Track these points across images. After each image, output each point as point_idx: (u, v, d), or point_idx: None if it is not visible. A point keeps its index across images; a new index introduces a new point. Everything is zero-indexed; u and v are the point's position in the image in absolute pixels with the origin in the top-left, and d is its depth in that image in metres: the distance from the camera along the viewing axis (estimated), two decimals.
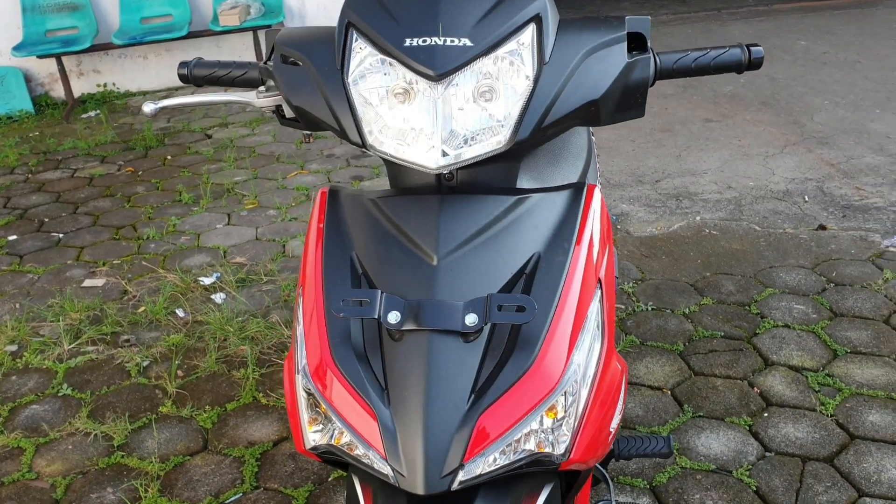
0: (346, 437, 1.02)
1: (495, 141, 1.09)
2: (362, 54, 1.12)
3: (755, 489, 2.19)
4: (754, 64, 1.23)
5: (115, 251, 3.76)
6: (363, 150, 1.14)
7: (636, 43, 1.19)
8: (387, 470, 0.98)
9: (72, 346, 2.99)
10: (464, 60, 1.07)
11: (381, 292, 1.00)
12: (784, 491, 2.18)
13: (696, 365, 2.72)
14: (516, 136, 1.09)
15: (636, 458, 1.85)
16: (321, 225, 1.17)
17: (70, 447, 2.49)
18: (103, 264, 3.63)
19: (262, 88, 1.35)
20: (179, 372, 2.81)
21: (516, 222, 1.10)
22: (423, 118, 1.09)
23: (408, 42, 1.08)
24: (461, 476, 0.96)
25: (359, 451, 1.01)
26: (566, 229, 1.10)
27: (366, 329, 1.07)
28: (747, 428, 2.43)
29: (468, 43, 1.07)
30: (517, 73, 1.09)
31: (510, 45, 1.09)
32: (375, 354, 1.04)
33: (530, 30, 1.10)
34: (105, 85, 6.53)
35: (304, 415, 1.06)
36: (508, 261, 1.07)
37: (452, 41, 1.07)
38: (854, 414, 2.46)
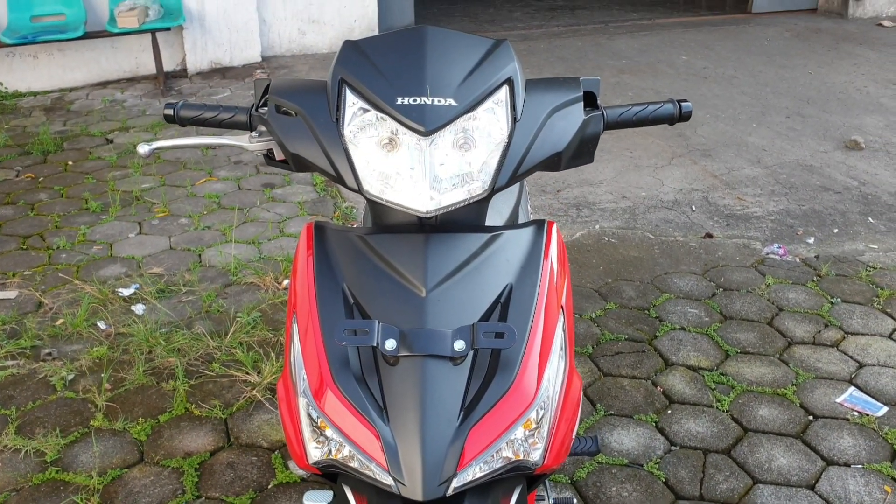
0: (345, 451, 1.15)
1: (476, 187, 1.25)
2: (355, 108, 1.25)
3: (664, 480, 2.43)
4: (684, 116, 1.44)
5: (24, 261, 3.70)
6: (357, 192, 1.27)
7: (588, 99, 1.37)
8: (388, 480, 1.11)
9: None
10: (449, 118, 1.22)
11: (378, 322, 1.14)
12: (689, 481, 2.42)
13: (605, 366, 2.95)
14: (496, 184, 1.25)
15: (570, 457, 2.05)
16: (311, 257, 1.30)
17: (0, 464, 2.49)
18: (13, 275, 3.57)
19: (254, 134, 1.46)
20: (107, 385, 2.83)
21: (491, 257, 1.26)
22: (409, 165, 1.23)
23: (399, 101, 1.22)
24: (455, 483, 1.11)
25: (357, 463, 1.14)
26: (533, 262, 1.27)
27: (362, 354, 1.20)
28: (654, 424, 2.67)
29: (453, 103, 1.22)
30: (493, 127, 1.25)
31: (487, 104, 1.25)
32: (373, 378, 1.17)
33: (504, 91, 1.27)
34: None
35: (307, 433, 1.18)
36: (486, 291, 1.22)
37: (439, 101, 1.22)
38: (746, 409, 2.74)
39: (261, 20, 7.01)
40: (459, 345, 1.14)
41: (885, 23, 8.32)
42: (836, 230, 4.09)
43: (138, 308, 3.29)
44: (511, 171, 1.26)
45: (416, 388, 1.13)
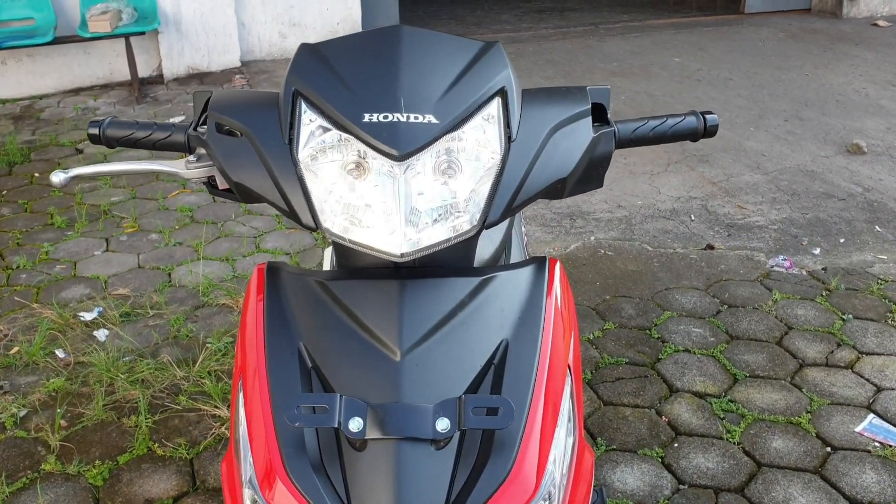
0: None
1: (463, 222, 1.02)
2: (312, 127, 1.02)
3: None
4: (709, 132, 1.21)
5: None
6: (314, 232, 1.04)
7: (596, 113, 1.14)
8: None
9: None
10: (429, 139, 0.99)
11: (340, 396, 0.91)
12: None
13: (605, 394, 2.73)
14: (487, 218, 1.02)
15: None
16: (261, 308, 1.06)
17: None
18: None
19: (191, 158, 1.22)
20: (63, 422, 2.59)
21: (482, 307, 1.03)
22: (380, 197, 1.00)
23: (367, 118, 0.99)
24: None
25: None
26: (532, 312, 1.04)
27: (321, 434, 0.97)
28: (660, 460, 2.44)
29: (433, 119, 0.99)
30: (482, 149, 1.02)
31: (475, 121, 1.02)
32: (334, 465, 0.94)
33: (496, 104, 1.03)
34: None
35: None
36: (476, 352, 1.00)
37: (416, 117, 0.99)
38: (758, 441, 2.52)
39: (239, 24, 6.76)
40: (443, 424, 0.91)
41: (881, 23, 8.15)
42: (842, 240, 3.88)
43: (101, 334, 3.04)
44: (506, 203, 1.03)
45: (389, 480, 0.90)
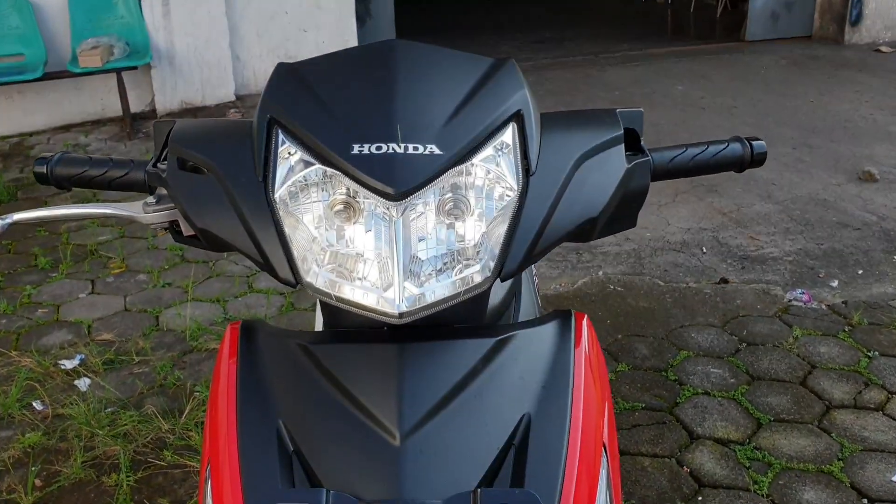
0: None
1: (473, 274, 0.84)
2: (291, 161, 0.85)
3: None
4: (756, 160, 1.04)
5: None
6: (294, 288, 0.86)
7: (628, 141, 0.97)
8: None
9: None
10: (431, 174, 0.82)
11: (327, 491, 0.73)
12: None
13: (622, 443, 2.54)
14: (502, 268, 0.85)
15: None
16: (233, 379, 0.89)
17: None
18: None
19: (150, 200, 1.05)
20: (37, 481, 2.40)
21: (498, 374, 0.85)
22: (373, 243, 0.83)
23: (357, 149, 0.82)
24: None
25: None
26: (558, 379, 0.86)
27: None
28: None
29: (435, 150, 0.82)
30: (495, 185, 0.85)
31: (486, 152, 0.85)
32: None
33: (510, 131, 0.86)
34: None
35: None
36: (492, 431, 0.82)
37: (415, 148, 0.82)
38: (789, 492, 2.33)
39: (234, 57, 6.64)
40: None
41: (884, 48, 8.05)
42: (860, 271, 3.72)
43: (82, 383, 2.86)
44: (525, 249, 0.85)
45: None
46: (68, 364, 2.97)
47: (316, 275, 0.84)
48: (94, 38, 5.71)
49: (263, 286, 3.58)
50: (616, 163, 0.92)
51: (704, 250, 3.94)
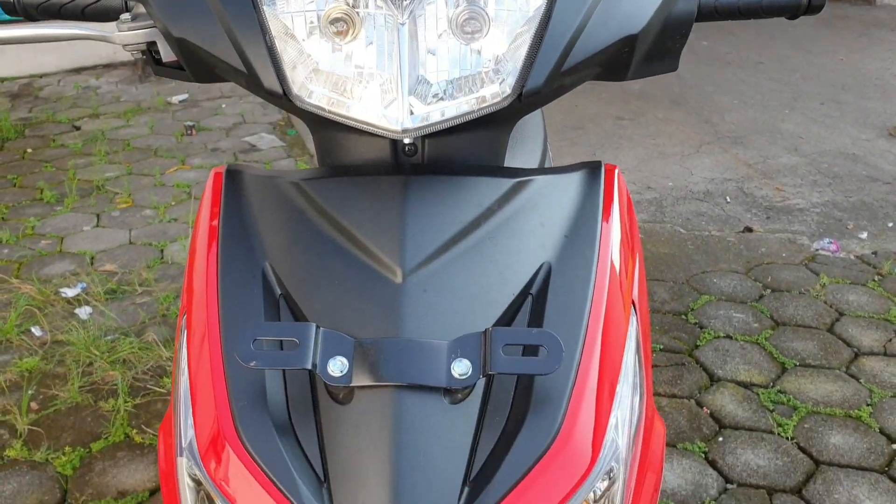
0: None
1: (492, 92, 0.72)
2: None
3: None
4: (814, 7, 0.92)
5: None
6: (282, 106, 0.75)
7: None
8: None
9: None
10: None
11: (317, 327, 0.63)
12: None
13: None
14: (525, 84, 0.73)
15: None
16: (215, 224, 0.78)
17: None
18: None
19: (125, 16, 0.94)
20: (33, 404, 2.32)
21: (515, 218, 0.74)
22: (375, 58, 0.72)
23: None
24: None
25: None
26: (584, 229, 0.75)
27: (290, 384, 0.68)
28: (703, 456, 2.15)
29: None
30: None
31: None
32: (307, 424, 0.66)
33: None
34: None
35: None
36: (508, 277, 0.71)
37: None
38: (815, 436, 2.22)
39: None
40: (462, 367, 0.63)
41: None
42: (890, 224, 3.57)
43: (83, 311, 2.78)
44: (553, 63, 0.73)
45: (384, 445, 0.62)
46: (69, 292, 2.89)
47: (308, 90, 0.73)
48: None
49: None
50: None
51: (728, 200, 3.80)
